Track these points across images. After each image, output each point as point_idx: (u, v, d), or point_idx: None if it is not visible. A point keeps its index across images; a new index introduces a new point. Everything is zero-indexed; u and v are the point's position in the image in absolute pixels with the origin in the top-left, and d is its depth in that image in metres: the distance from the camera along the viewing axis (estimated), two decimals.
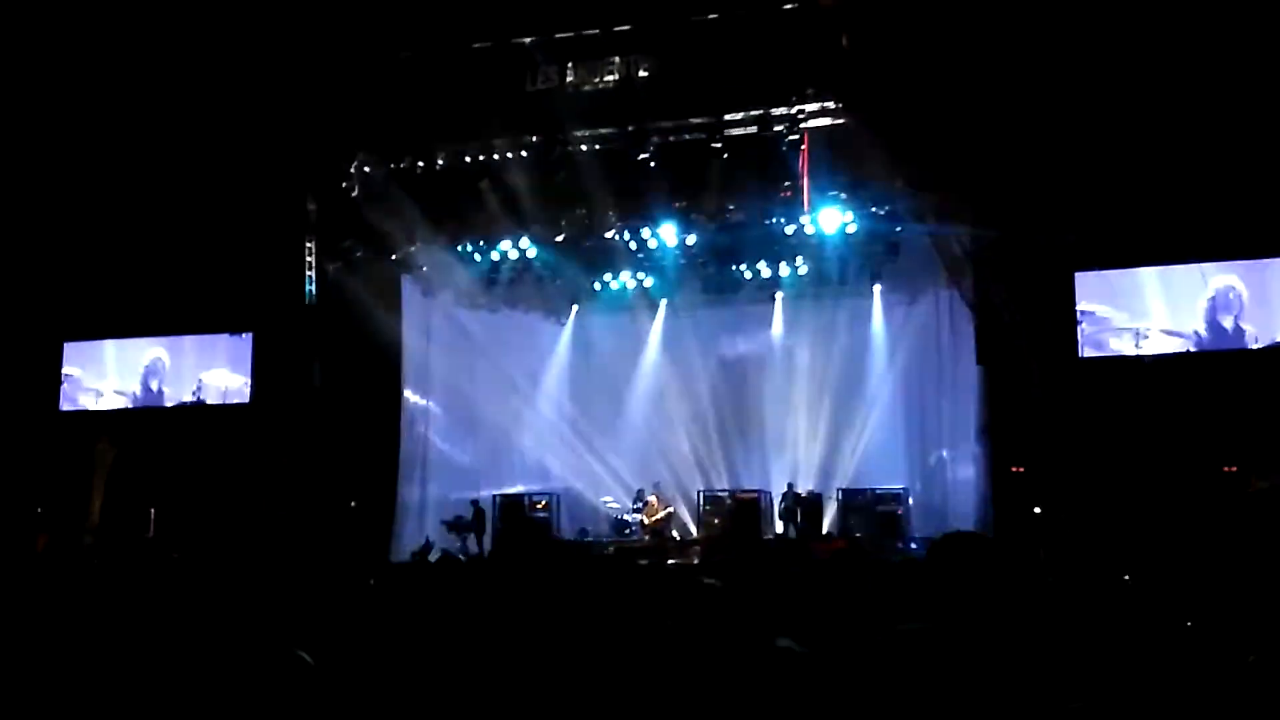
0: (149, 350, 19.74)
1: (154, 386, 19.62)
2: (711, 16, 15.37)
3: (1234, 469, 14.24)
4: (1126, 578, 4.94)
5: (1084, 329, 15.73)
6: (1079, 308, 15.70)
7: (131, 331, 19.70)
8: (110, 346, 19.88)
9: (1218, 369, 15.11)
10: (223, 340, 19.35)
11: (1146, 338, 15.59)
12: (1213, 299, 15.46)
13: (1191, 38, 13.87)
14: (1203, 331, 15.50)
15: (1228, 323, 15.38)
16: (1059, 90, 14.31)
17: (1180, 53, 13.92)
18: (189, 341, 19.61)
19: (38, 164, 17.48)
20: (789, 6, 14.94)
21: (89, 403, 19.74)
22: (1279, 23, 13.47)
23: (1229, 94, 14.07)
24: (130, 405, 19.61)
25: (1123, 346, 15.69)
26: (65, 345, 19.82)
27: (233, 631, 4.22)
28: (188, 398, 19.38)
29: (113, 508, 18.54)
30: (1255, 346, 15.27)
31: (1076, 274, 15.61)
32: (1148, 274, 15.88)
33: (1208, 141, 14.26)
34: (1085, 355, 15.72)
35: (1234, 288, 15.44)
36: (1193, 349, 15.50)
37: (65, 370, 19.79)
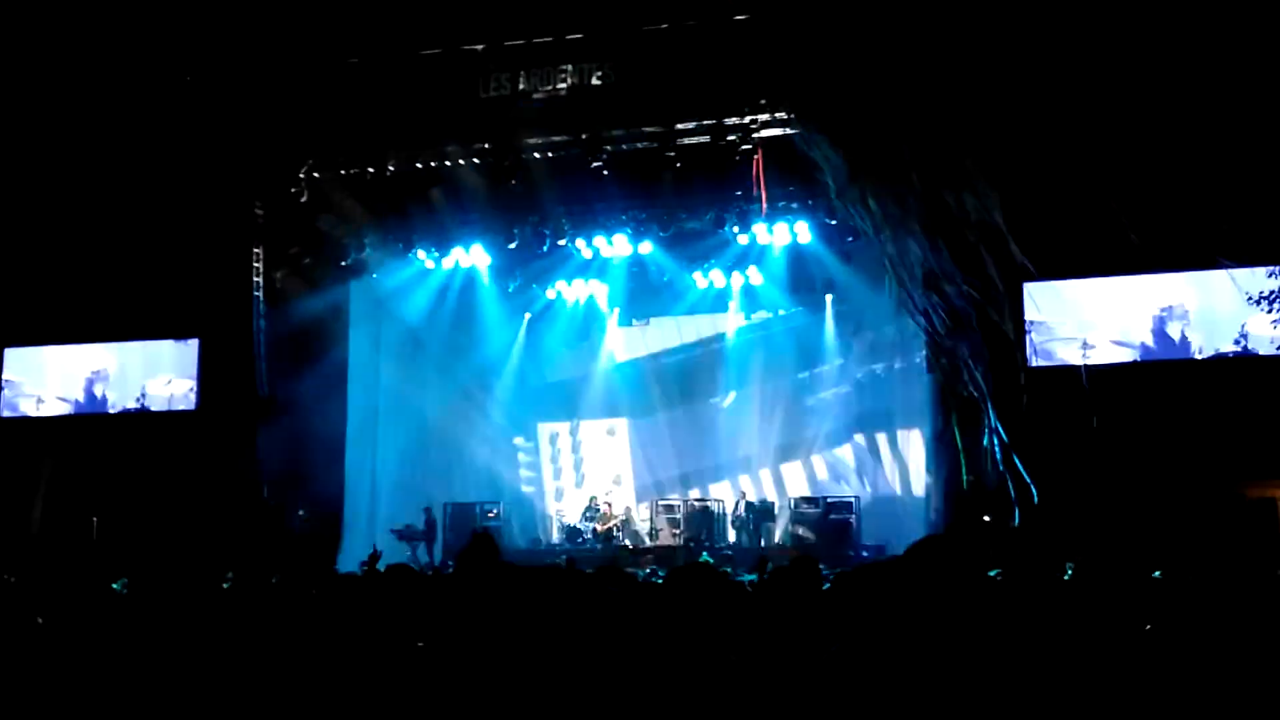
0: (93, 356, 19.37)
1: (98, 393, 19.26)
2: (665, 25, 15.36)
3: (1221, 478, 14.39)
4: (1067, 578, 4.96)
5: (1033, 338, 15.88)
6: (1028, 318, 15.84)
7: (75, 337, 19.33)
8: (52, 352, 19.49)
9: (1164, 379, 15.30)
10: (167, 346, 19.03)
11: (1094, 348, 15.77)
12: (1160, 311, 15.67)
13: (1141, 46, 14.06)
14: (1150, 342, 15.70)
15: (1174, 333, 15.60)
16: (1009, 99, 14.45)
17: (1130, 61, 14.11)
18: (134, 347, 19.27)
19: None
20: (741, 17, 14.96)
21: (29, 409, 19.34)
22: (1226, 33, 13.70)
23: (1177, 105, 14.27)
24: (73, 412, 19.24)
25: (1070, 356, 15.85)
26: (5, 350, 19.42)
27: (175, 641, 4.11)
28: (131, 404, 19.05)
29: (54, 517, 18.18)
30: (1199, 357, 15.50)
31: (1025, 284, 15.76)
32: (1096, 285, 16.07)
33: (1157, 152, 14.45)
34: (1034, 365, 15.86)
35: (1180, 299, 15.66)
36: (1140, 359, 15.69)
37: (5, 376, 19.38)
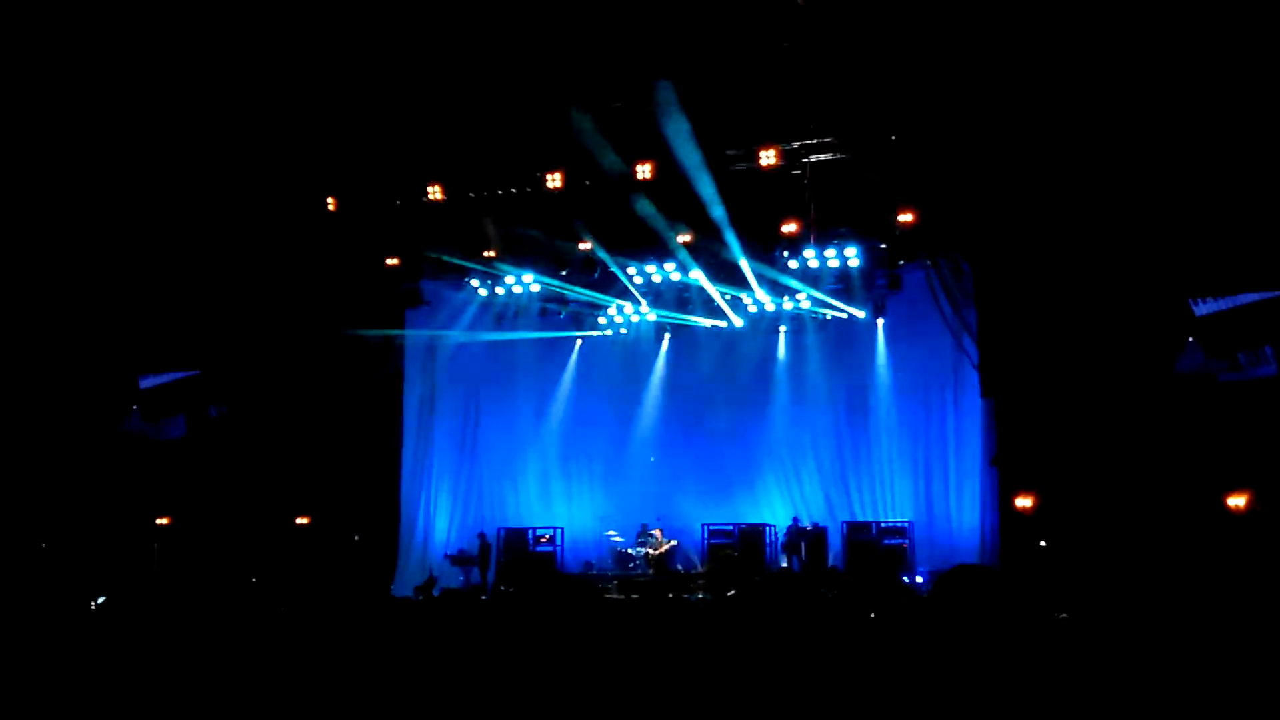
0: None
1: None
2: (716, 54, 15.44)
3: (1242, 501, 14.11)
4: (1135, 612, 4.92)
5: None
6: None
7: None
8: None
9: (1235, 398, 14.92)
10: (224, 374, 19.32)
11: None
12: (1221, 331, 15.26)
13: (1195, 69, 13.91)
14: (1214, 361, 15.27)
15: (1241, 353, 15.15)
16: (1061, 124, 14.37)
17: (1182, 79, 13.95)
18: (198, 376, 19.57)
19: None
20: (790, 45, 15.00)
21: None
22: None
23: (1238, 116, 14.08)
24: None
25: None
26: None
27: (235, 662, 4.20)
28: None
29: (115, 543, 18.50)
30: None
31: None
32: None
33: (1213, 167, 14.25)
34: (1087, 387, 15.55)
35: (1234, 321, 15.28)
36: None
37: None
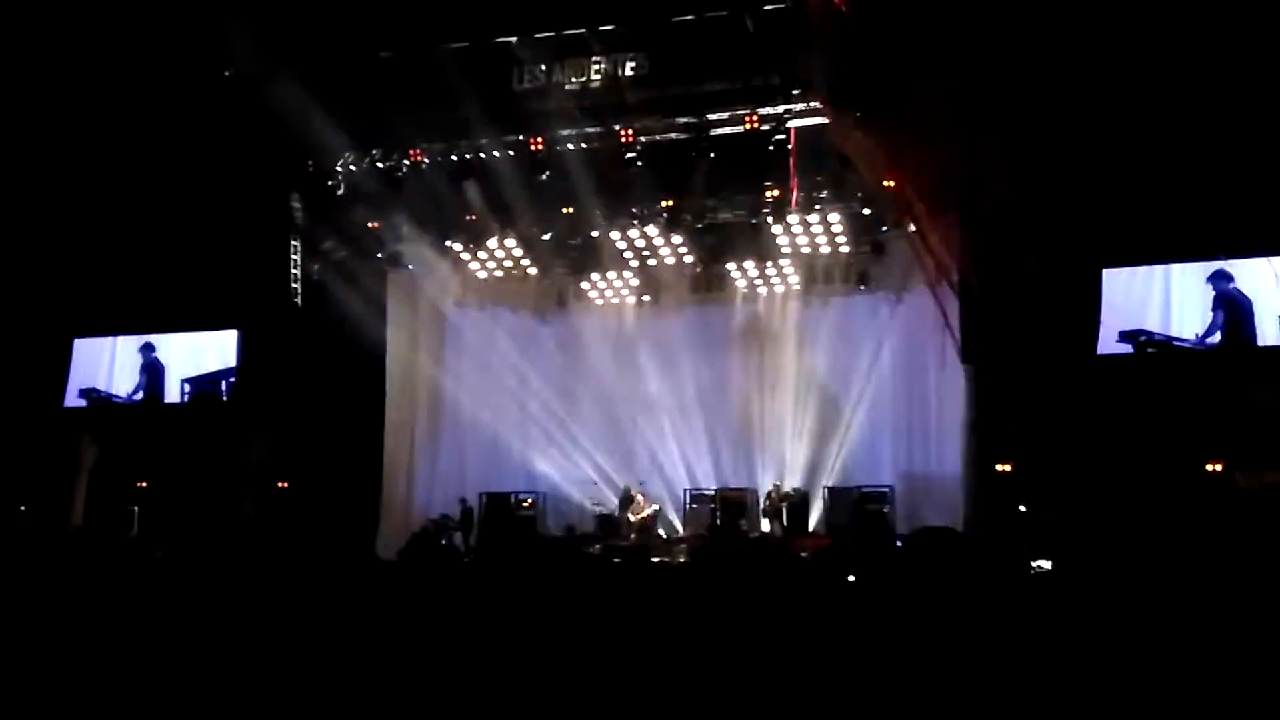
0: (139, 347, 19.66)
1: (144, 384, 19.51)
2: (697, 16, 15.33)
3: (1219, 467, 14.28)
4: (1111, 574, 4.97)
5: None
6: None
7: (121, 328, 19.65)
8: (108, 343, 19.81)
9: (1217, 367, 15.10)
10: (208, 337, 19.29)
11: (1147, 336, 15.52)
12: (1217, 296, 15.46)
13: (1189, 37, 13.91)
14: (1204, 329, 15.48)
15: (1233, 321, 15.35)
16: (1048, 86, 14.35)
17: (1170, 48, 13.94)
18: (179, 339, 19.55)
19: (46, 171, 17.48)
20: (775, 7, 14.89)
21: (89, 398, 19.61)
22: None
23: (1224, 94, 14.11)
24: (124, 402, 19.51)
25: (1123, 344, 15.63)
26: (75, 341, 19.75)
27: (219, 628, 4.20)
28: (174, 396, 19.32)
29: (96, 506, 18.48)
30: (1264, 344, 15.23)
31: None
32: (1152, 272, 15.90)
33: (1203, 137, 14.28)
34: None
35: (1239, 286, 15.44)
36: (1197, 347, 15.46)
37: (75, 364, 19.69)
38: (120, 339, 19.82)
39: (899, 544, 16.53)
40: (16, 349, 19.00)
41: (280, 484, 17.91)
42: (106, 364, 19.80)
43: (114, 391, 19.55)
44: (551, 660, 3.11)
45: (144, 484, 18.32)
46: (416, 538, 16.97)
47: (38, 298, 18.88)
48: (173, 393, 19.36)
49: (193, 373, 19.29)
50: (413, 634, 3.78)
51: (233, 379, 19.00)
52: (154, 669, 3.88)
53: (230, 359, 19.10)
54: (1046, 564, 13.35)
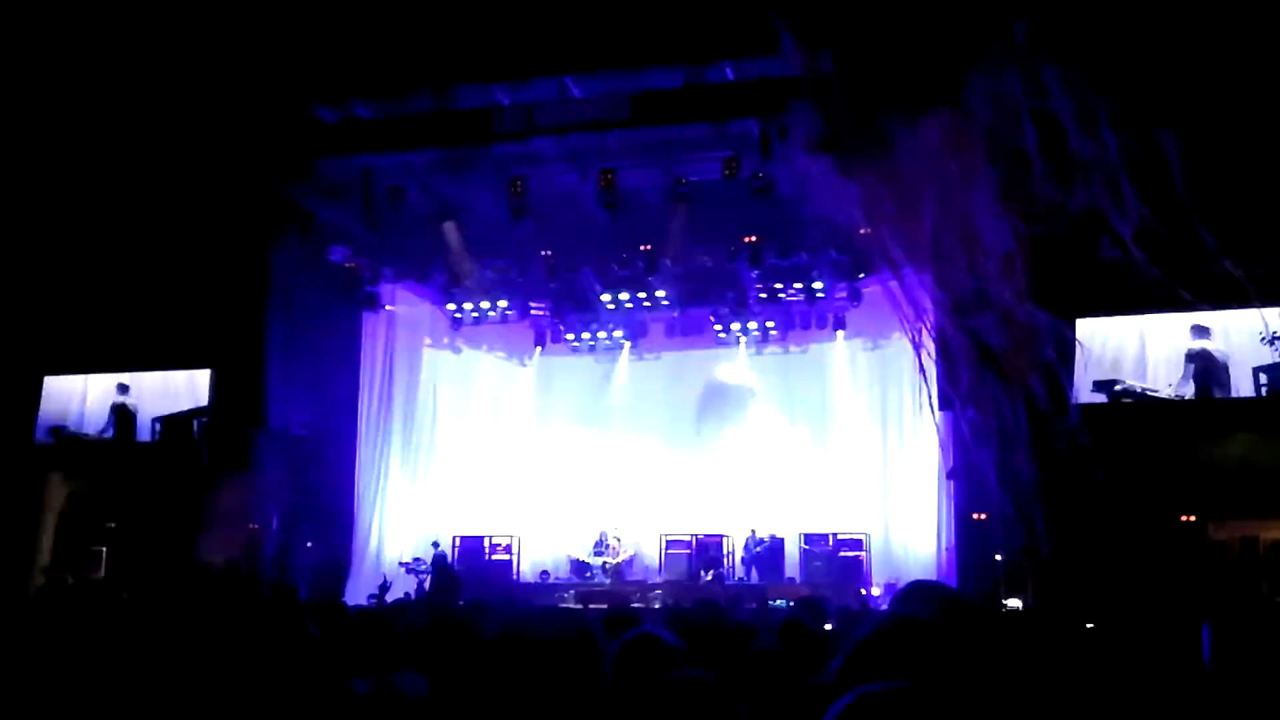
0: (113, 386, 19.48)
1: (114, 422, 19.32)
2: (679, 63, 15.42)
3: (1192, 519, 14.34)
4: (1089, 625, 4.93)
5: (1045, 376, 15.77)
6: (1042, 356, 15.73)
7: (94, 367, 19.46)
8: (79, 381, 19.61)
9: (1192, 418, 15.20)
10: (182, 376, 19.12)
11: (1122, 386, 15.65)
12: (1193, 349, 15.58)
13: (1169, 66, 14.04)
14: (1180, 381, 15.58)
15: (1206, 373, 15.47)
16: (1024, 134, 14.45)
17: (1154, 96, 14.07)
18: (152, 377, 19.38)
19: (19, 209, 17.38)
20: (756, 57, 14.98)
21: (49, 438, 19.40)
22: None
23: (1201, 141, 14.23)
24: (89, 439, 19.29)
25: (1098, 393, 15.72)
26: (45, 379, 19.55)
27: (182, 672, 4.11)
28: (145, 435, 19.12)
29: (64, 546, 18.21)
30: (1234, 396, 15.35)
31: (1041, 323, 15.69)
32: (1127, 322, 16.02)
33: (1183, 186, 14.40)
34: (1046, 403, 15.75)
35: (1214, 339, 15.56)
36: (1170, 397, 15.56)
37: (45, 403, 19.48)
38: (91, 377, 19.62)
39: (875, 592, 16.50)
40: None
41: (251, 526, 17.69)
42: (77, 402, 19.58)
43: (84, 430, 19.32)
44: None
45: (112, 524, 18.06)
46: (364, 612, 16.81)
47: (8, 334, 18.70)
48: (144, 431, 19.15)
49: (164, 411, 19.10)
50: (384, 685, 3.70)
51: (204, 419, 18.81)
52: (118, 711, 3.78)
53: (203, 398, 18.92)
54: (1017, 603, 13.34)
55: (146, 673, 4.15)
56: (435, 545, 18.65)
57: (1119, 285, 15.23)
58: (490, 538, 19.24)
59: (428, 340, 20.04)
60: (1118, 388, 15.56)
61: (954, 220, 14.85)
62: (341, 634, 4.43)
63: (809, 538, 18.16)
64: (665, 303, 18.80)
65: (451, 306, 19.28)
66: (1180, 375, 15.53)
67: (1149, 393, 15.55)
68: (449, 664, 3.74)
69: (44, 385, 19.59)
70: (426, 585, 18.01)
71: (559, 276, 18.26)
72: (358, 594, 17.41)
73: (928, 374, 16.94)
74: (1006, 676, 2.50)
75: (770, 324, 18.91)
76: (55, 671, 4.41)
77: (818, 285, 17.67)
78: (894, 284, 16.81)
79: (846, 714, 1.95)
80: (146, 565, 16.63)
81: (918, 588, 2.86)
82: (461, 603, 14.71)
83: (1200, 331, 15.55)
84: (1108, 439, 15.03)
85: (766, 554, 18.11)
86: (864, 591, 16.44)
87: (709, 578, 17.50)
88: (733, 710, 2.90)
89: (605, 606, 11.65)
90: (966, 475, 15.95)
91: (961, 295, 15.42)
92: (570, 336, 20.11)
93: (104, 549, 17.73)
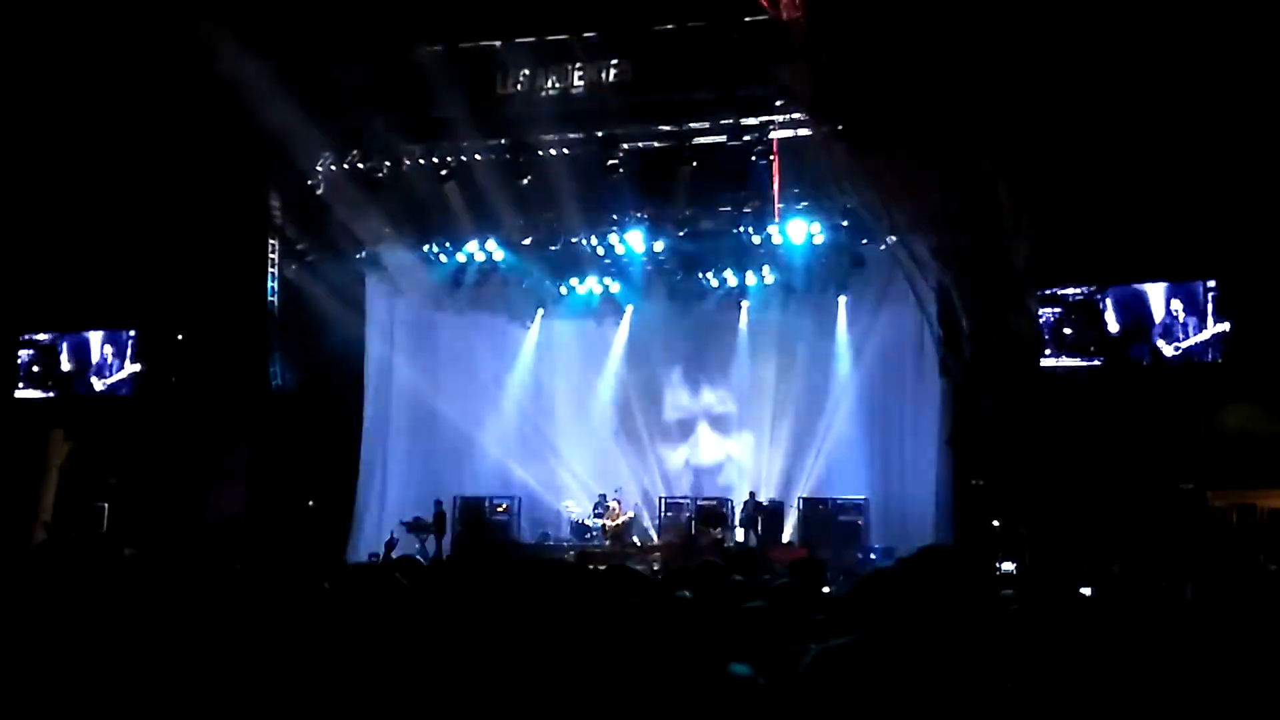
0: (106, 343, 19.54)
1: (107, 378, 19.40)
2: (681, 25, 15.35)
3: (1190, 486, 14.41)
4: (1085, 591, 4.96)
5: (1046, 341, 15.84)
6: (1041, 321, 15.80)
7: (88, 325, 19.50)
8: (70, 338, 19.67)
9: (1182, 384, 15.26)
10: (184, 336, 19.17)
11: (1109, 352, 15.72)
12: (1167, 316, 15.64)
13: (1148, 52, 13.99)
14: (1163, 349, 15.65)
15: (1184, 341, 15.55)
16: (1030, 102, 14.40)
17: (1157, 62, 14.02)
18: (150, 335, 19.45)
19: (21, 167, 17.31)
20: (760, 18, 14.91)
21: (46, 393, 19.50)
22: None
23: (1211, 110, 14.21)
24: (82, 393, 19.39)
25: (1083, 360, 15.80)
26: (21, 336, 19.62)
27: (186, 631, 4.15)
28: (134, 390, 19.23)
29: (66, 502, 18.31)
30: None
31: (1041, 290, 15.75)
32: (1114, 290, 16.07)
33: (1179, 159, 14.38)
34: (1046, 366, 15.81)
35: (1182, 306, 15.63)
36: (1151, 363, 15.64)
37: (23, 360, 19.56)
38: (96, 333, 19.68)
39: (872, 556, 16.58)
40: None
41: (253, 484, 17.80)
42: (94, 354, 19.69)
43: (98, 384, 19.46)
44: (526, 673, 3.07)
45: (114, 481, 18.17)
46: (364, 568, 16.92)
47: (13, 293, 18.74)
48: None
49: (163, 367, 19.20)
50: (389, 645, 3.73)
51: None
52: (122, 671, 3.81)
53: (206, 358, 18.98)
54: (1010, 565, 13.43)
55: (156, 631, 4.19)
56: (437, 504, 18.74)
57: (1131, 249, 15.25)
58: (491, 499, 19.33)
59: (430, 301, 20.01)
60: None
61: (958, 183, 14.84)
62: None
63: (808, 501, 18.24)
64: (667, 265, 18.76)
65: (454, 267, 19.23)
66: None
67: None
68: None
69: (66, 343, 19.64)
70: (429, 545, 18.14)
71: (561, 237, 18.21)
72: (360, 553, 17.54)
73: (929, 338, 17.01)
74: (975, 631, 2.52)
75: (772, 287, 18.85)
76: (58, 624, 4.45)
77: (820, 249, 17.58)
78: (898, 247, 16.90)
79: (807, 671, 1.98)
80: (149, 521, 16.71)
81: (929, 552, 2.88)
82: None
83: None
84: (1108, 404, 15.11)
85: (765, 518, 18.19)
86: (873, 556, 16.51)
87: (718, 534, 17.56)
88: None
89: (604, 569, 11.72)
90: (965, 441, 16.02)
91: (967, 260, 15.47)
92: (572, 299, 20.09)
93: (105, 505, 17.82)
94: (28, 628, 4.38)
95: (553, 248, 18.55)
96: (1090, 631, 3.89)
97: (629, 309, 20.15)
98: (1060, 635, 3.77)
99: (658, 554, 17.43)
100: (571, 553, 17.54)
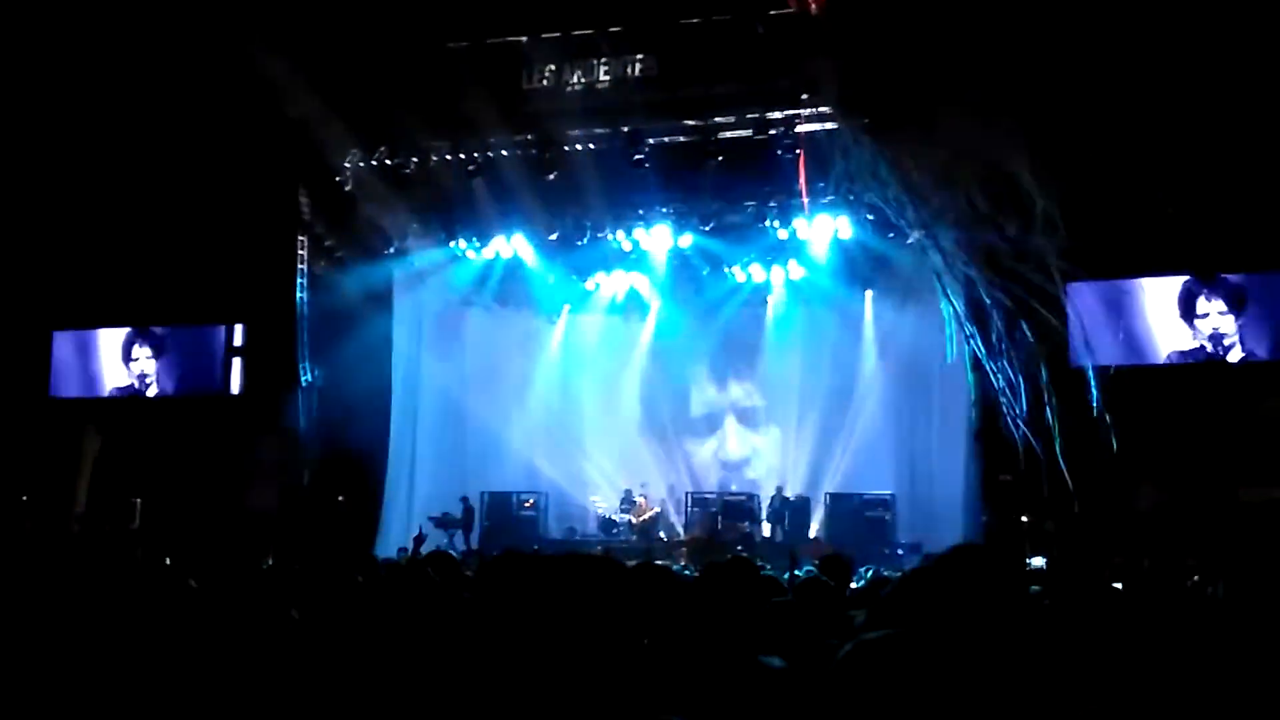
0: (138, 340, 19.71)
1: (142, 377, 19.58)
2: (707, 19, 15.33)
3: (1221, 481, 14.30)
4: (1117, 585, 4.94)
5: (1074, 338, 15.75)
6: (1071, 317, 15.71)
7: (122, 321, 19.69)
8: (100, 336, 19.85)
9: (1211, 380, 15.15)
10: (213, 332, 19.33)
11: (1142, 348, 15.62)
12: (1205, 312, 15.51)
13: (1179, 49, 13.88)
14: (1201, 343, 15.53)
15: (1222, 335, 15.43)
16: (1055, 95, 14.31)
17: (1187, 58, 13.91)
18: (180, 332, 19.59)
19: (27, 155, 17.43)
20: (785, 11, 14.88)
21: (79, 391, 19.70)
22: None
23: (1234, 107, 14.09)
24: (118, 395, 19.57)
25: (1115, 356, 15.69)
26: (55, 334, 19.81)
27: (218, 625, 4.19)
28: (173, 388, 19.38)
29: (99, 497, 18.50)
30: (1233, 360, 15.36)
31: (1069, 285, 15.64)
32: (1143, 284, 15.95)
33: (1209, 153, 14.26)
34: (1075, 364, 15.74)
35: (1222, 302, 15.50)
36: (1185, 361, 15.53)
37: (57, 357, 19.76)
38: (125, 330, 19.87)
39: (899, 552, 16.53)
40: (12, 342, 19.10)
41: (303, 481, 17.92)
42: (115, 355, 19.86)
43: (125, 384, 19.65)
44: (554, 668, 3.09)
45: (146, 477, 18.33)
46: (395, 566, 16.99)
47: (46, 290, 18.94)
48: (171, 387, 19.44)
49: (191, 364, 19.36)
50: (418, 640, 3.76)
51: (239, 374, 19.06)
52: (149, 662, 3.85)
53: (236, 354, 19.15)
54: (1039, 561, 13.36)
55: (189, 622, 4.23)
56: (464, 500, 18.82)
57: (1162, 245, 15.14)
58: (518, 494, 19.39)
59: (457, 297, 20.08)
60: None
61: (987, 180, 14.78)
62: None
63: (834, 497, 18.21)
64: (693, 261, 18.75)
65: (481, 264, 19.28)
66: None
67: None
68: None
69: (97, 339, 19.83)
70: (457, 540, 18.22)
71: (587, 232, 18.23)
72: (388, 548, 17.63)
73: (957, 334, 16.95)
74: (1012, 627, 2.52)
75: (798, 282, 18.81)
76: (91, 615, 4.50)
77: (847, 243, 17.52)
78: (926, 241, 16.84)
79: (845, 660, 1.99)
80: (182, 516, 16.87)
81: (962, 550, 2.87)
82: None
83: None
84: (1138, 400, 15.00)
85: (792, 513, 18.16)
86: (900, 551, 16.47)
87: (746, 528, 17.56)
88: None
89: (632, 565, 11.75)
90: (993, 436, 15.95)
91: (995, 255, 15.41)
92: (598, 294, 20.12)
93: (138, 500, 17.99)
94: (61, 619, 4.44)
95: (579, 244, 18.57)
96: (1121, 627, 3.88)
97: (655, 305, 20.17)
98: (1091, 631, 3.75)
99: (684, 549, 17.44)
100: (599, 548, 17.57)
